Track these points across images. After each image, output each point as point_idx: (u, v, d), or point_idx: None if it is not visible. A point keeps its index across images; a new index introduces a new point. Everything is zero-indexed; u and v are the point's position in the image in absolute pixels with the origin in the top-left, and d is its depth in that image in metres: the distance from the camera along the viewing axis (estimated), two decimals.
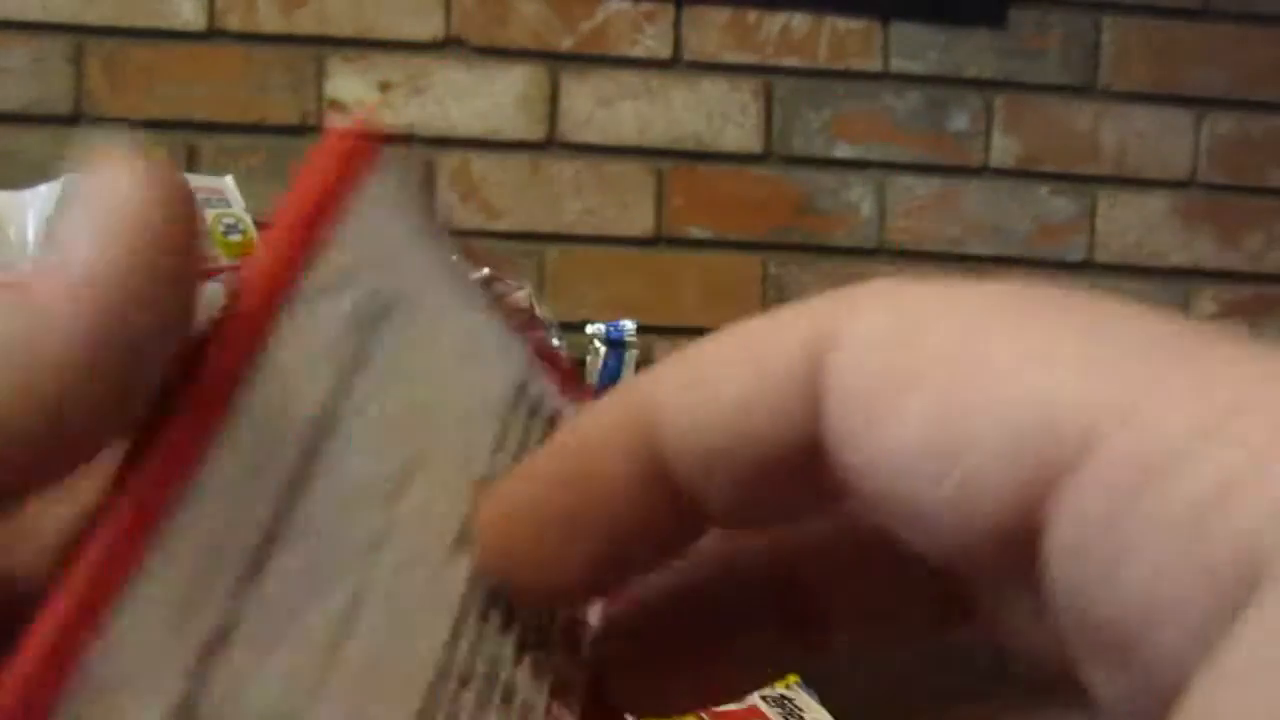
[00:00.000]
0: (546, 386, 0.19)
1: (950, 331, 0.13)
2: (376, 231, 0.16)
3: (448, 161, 1.33)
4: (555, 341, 0.70)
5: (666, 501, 0.15)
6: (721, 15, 1.36)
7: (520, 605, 0.17)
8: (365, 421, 0.15)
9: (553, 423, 0.18)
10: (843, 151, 1.39)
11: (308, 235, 0.15)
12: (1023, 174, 1.41)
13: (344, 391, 0.15)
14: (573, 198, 1.36)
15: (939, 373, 0.12)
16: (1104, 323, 0.12)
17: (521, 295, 0.71)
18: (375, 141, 0.17)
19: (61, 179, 0.62)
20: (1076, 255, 1.41)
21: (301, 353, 0.15)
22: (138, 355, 0.13)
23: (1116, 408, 0.11)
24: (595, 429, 0.15)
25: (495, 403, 0.17)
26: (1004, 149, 1.41)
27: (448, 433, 0.16)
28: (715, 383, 0.14)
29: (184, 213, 0.13)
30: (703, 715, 0.38)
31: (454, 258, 0.18)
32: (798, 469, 0.14)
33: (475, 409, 0.17)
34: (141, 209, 0.13)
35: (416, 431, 0.16)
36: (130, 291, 0.12)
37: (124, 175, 0.13)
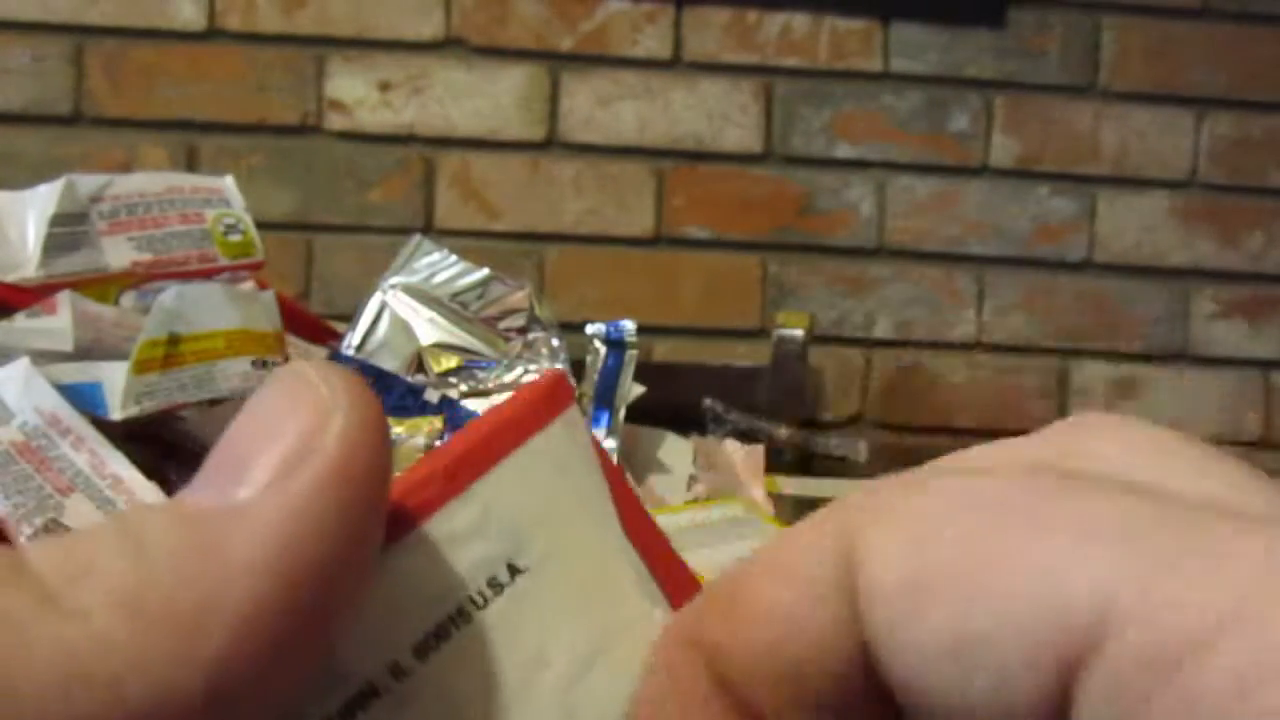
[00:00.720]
0: None
1: (960, 534, 0.13)
2: (531, 484, 0.15)
3: (448, 161, 1.33)
4: (555, 342, 0.70)
5: None
6: (721, 15, 1.36)
7: None
8: (440, 682, 0.14)
9: None
10: (843, 151, 1.39)
11: (454, 476, 0.14)
12: (1022, 174, 1.41)
13: (434, 644, 0.14)
14: (573, 198, 1.35)
15: (952, 579, 0.13)
16: (1109, 503, 0.12)
17: (521, 295, 0.71)
18: (558, 395, 0.16)
19: (62, 179, 0.62)
20: (1076, 255, 1.41)
21: (405, 588, 0.14)
22: (321, 605, 0.11)
23: (1129, 593, 0.11)
24: (662, 678, 0.15)
25: (620, 706, 0.16)
26: (1004, 149, 1.41)
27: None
28: (761, 610, 0.14)
29: (376, 434, 0.12)
30: None
31: (618, 524, 0.17)
32: (855, 676, 0.14)
33: (588, 709, 0.15)
34: (330, 431, 0.11)
35: (488, 711, 0.14)
36: (316, 532, 0.11)
37: (312, 386, 0.12)
